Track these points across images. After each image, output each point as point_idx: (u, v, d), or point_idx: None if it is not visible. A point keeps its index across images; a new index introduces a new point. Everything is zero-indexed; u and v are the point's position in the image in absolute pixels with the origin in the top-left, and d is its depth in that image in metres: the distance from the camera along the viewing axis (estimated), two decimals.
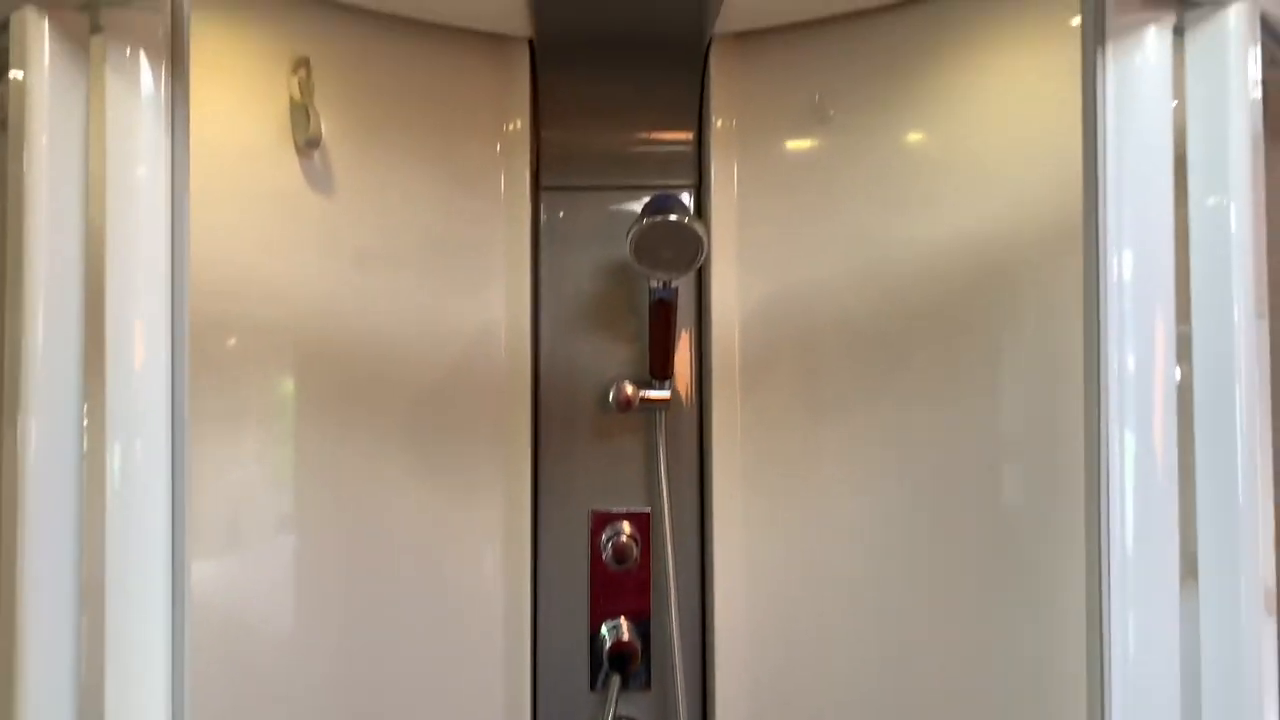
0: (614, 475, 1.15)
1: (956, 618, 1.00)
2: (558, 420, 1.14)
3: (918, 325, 1.05)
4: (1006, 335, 0.99)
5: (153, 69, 0.53)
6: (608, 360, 1.14)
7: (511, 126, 1.13)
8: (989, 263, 0.99)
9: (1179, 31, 0.54)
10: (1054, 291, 0.92)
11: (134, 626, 0.58)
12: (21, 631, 0.57)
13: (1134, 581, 0.65)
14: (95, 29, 0.55)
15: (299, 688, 0.96)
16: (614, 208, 1.15)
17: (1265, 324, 0.66)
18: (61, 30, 0.53)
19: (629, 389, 1.09)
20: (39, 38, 0.53)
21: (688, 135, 1.15)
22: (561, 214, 1.16)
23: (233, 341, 0.92)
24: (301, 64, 0.97)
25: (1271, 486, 0.67)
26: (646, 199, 1.05)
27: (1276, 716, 0.69)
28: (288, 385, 0.98)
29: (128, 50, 0.52)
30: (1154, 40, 0.52)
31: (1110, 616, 0.66)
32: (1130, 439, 0.63)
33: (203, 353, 0.88)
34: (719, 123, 1.13)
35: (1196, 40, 0.53)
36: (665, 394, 1.10)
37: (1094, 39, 0.53)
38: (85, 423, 0.59)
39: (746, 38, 1.12)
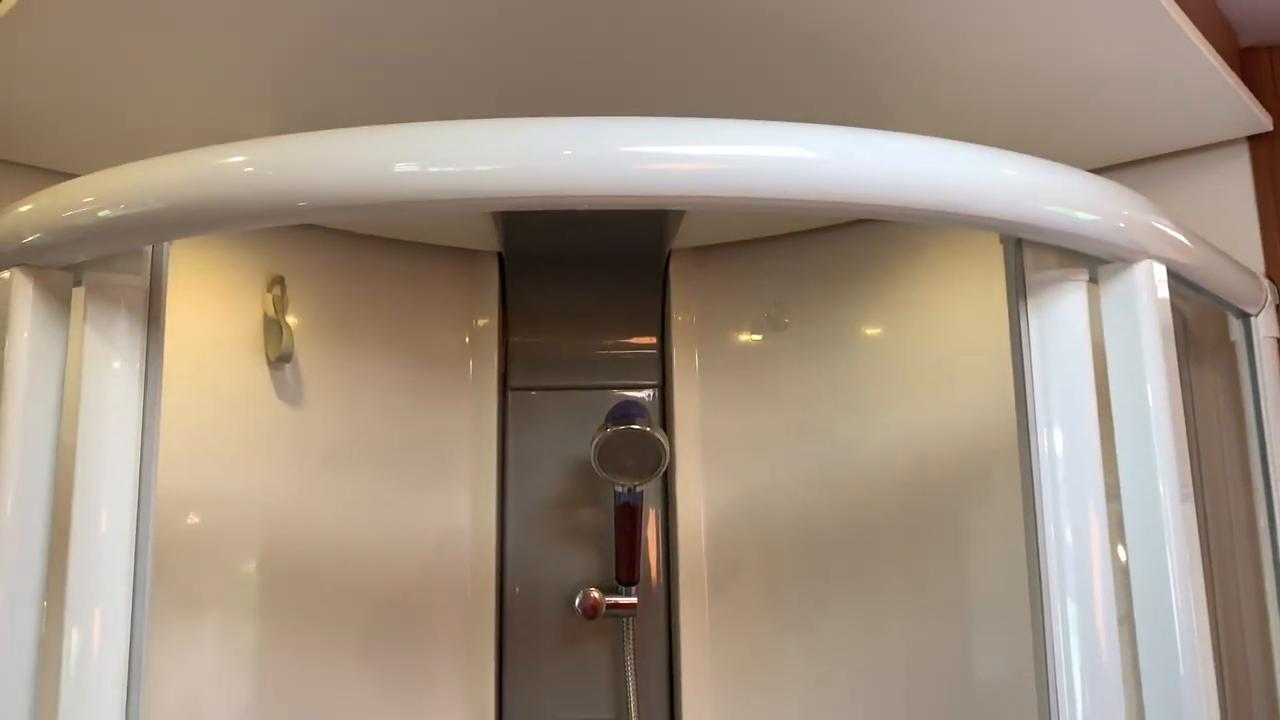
0: (581, 683, 1.12)
1: None
2: (523, 626, 1.13)
3: (875, 525, 1.06)
4: (962, 531, 1.00)
5: (129, 323, 0.56)
6: (574, 563, 1.14)
7: (481, 323, 1.17)
8: (942, 462, 1.02)
9: (1093, 279, 0.59)
10: (1001, 491, 0.94)
11: None
12: None
13: None
14: (77, 283, 0.58)
15: None
16: (581, 407, 1.17)
17: (1190, 507, 0.68)
18: (46, 288, 0.56)
19: (595, 595, 1.09)
20: (25, 295, 0.56)
21: (651, 339, 1.20)
22: (528, 413, 1.18)
23: (197, 536, 0.92)
24: (276, 282, 1.01)
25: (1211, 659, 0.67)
26: (612, 403, 1.08)
27: None
28: (250, 584, 0.97)
29: (106, 307, 0.55)
30: (1070, 290, 0.57)
31: None
32: (1074, 615, 0.64)
33: (169, 545, 0.87)
34: (679, 318, 1.18)
35: (1109, 289, 0.58)
36: (632, 599, 1.10)
37: (1016, 290, 0.58)
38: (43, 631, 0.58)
39: (704, 251, 1.18)
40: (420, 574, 1.10)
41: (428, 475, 1.13)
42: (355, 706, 1.03)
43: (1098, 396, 0.62)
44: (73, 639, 0.57)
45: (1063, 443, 0.63)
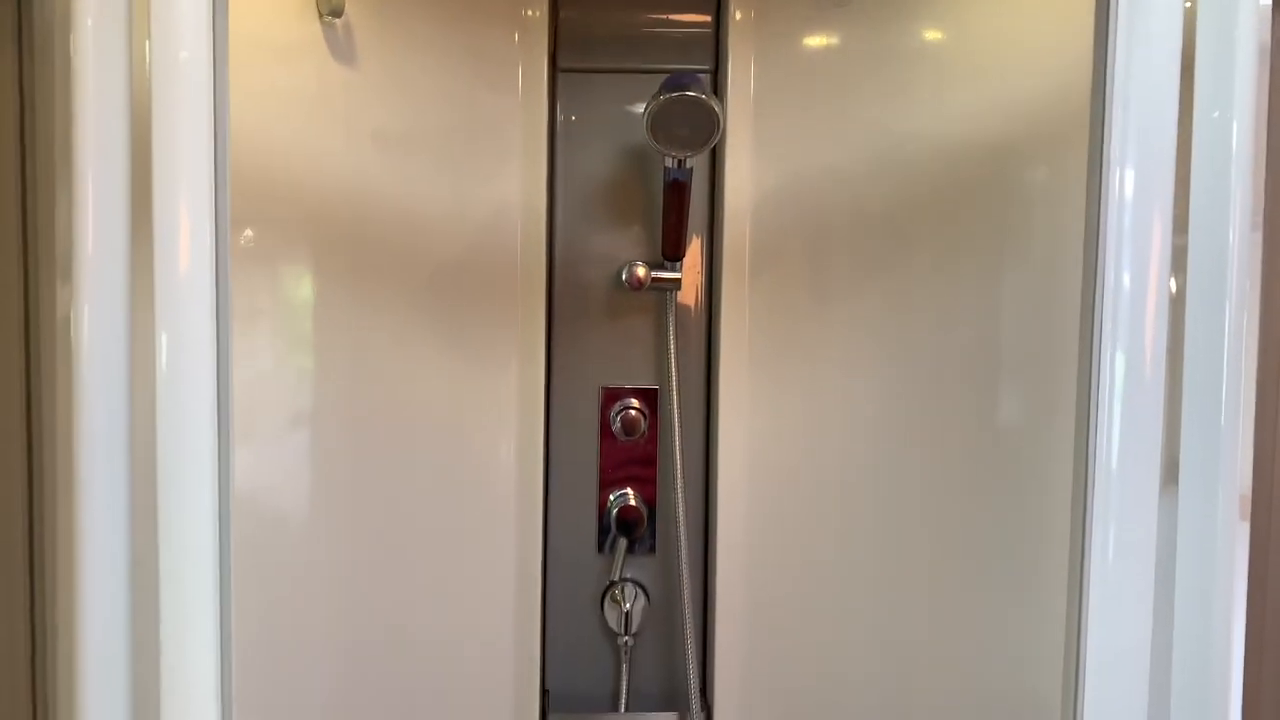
0: (624, 353, 1.19)
1: (947, 505, 1.05)
2: (571, 299, 1.18)
3: (923, 218, 1.08)
4: (1009, 236, 1.01)
5: None
6: (621, 242, 1.17)
7: (530, 13, 1.14)
8: (994, 161, 1.01)
9: None
10: (1055, 197, 0.94)
11: (183, 507, 0.62)
12: (80, 514, 0.61)
13: (1117, 487, 0.69)
14: None
15: (319, 544, 1.02)
16: (631, 88, 1.16)
17: (1259, 236, 0.69)
18: None
19: (641, 269, 1.13)
20: None
21: (705, 17, 1.16)
22: (578, 95, 1.17)
23: (257, 216, 0.95)
24: None
25: (1254, 396, 0.71)
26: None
27: (1244, 618, 0.74)
28: (305, 241, 1.01)
29: None
30: None
31: (1093, 518, 0.70)
32: (1122, 347, 0.66)
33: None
34: (738, 15, 1.14)
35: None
36: (677, 275, 1.14)
37: None
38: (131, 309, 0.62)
39: None
40: (472, 248, 1.14)
41: (478, 154, 1.13)
42: (416, 373, 1.10)
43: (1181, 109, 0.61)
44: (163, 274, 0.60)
45: (1136, 143, 0.62)
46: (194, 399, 0.60)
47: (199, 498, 0.59)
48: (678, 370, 1.16)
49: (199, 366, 0.59)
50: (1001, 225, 1.02)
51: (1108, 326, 0.65)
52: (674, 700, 1.19)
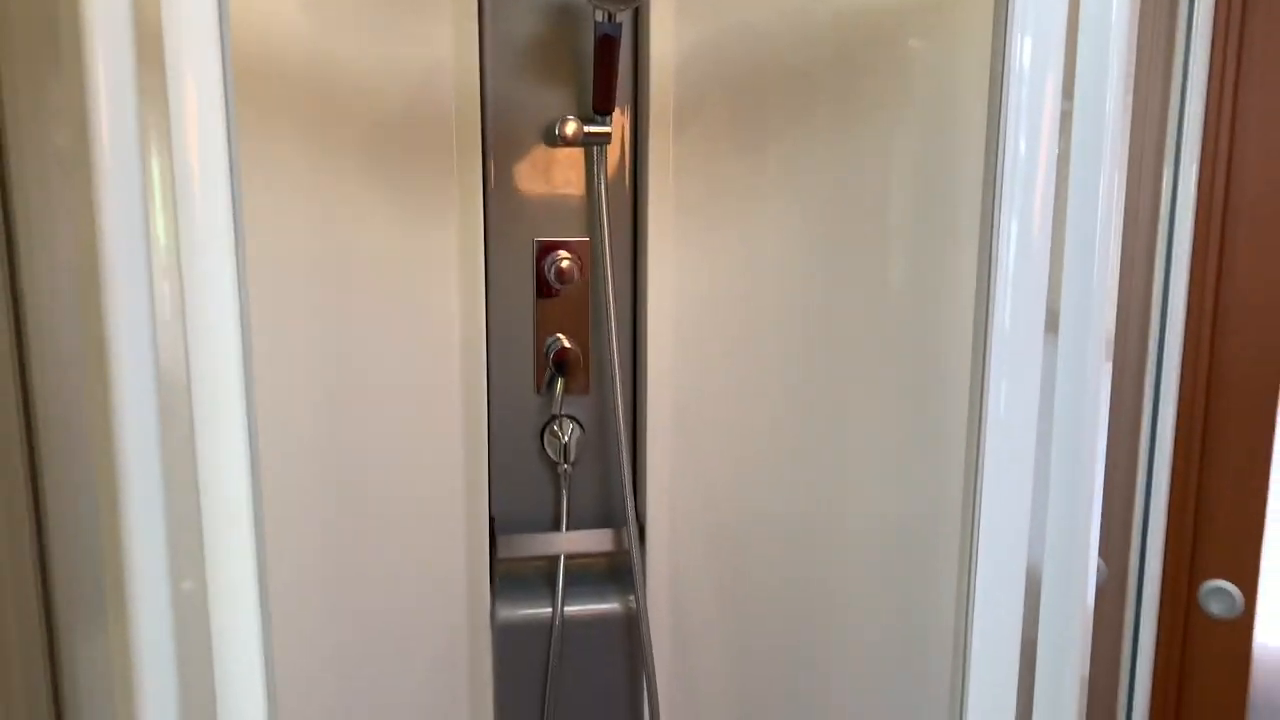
0: (558, 207, 1.26)
1: (859, 344, 1.19)
2: (505, 156, 1.23)
3: (833, 77, 1.16)
4: (910, 98, 1.11)
5: None
6: (552, 99, 1.22)
7: None
8: (896, 24, 1.10)
9: None
10: (948, 65, 1.03)
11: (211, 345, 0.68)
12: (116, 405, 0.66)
13: (1010, 338, 0.81)
14: None
15: (274, 393, 1.09)
16: None
17: (1130, 99, 0.80)
18: None
19: (572, 124, 1.18)
20: None
21: None
22: None
23: None
24: None
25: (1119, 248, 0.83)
26: None
27: (1105, 438, 0.90)
28: (245, 121, 1.03)
29: None
30: None
31: (990, 363, 0.82)
32: (1018, 211, 0.77)
33: None
34: None
35: None
36: (607, 129, 1.20)
37: None
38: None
39: None
40: (407, 109, 1.16)
41: (410, 10, 1.15)
42: (360, 218, 1.15)
43: None
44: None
45: (1035, 14, 0.71)
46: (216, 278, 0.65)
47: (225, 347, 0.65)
48: (608, 221, 1.24)
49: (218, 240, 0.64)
50: (904, 87, 1.11)
51: (1008, 189, 0.76)
52: (610, 519, 1.33)
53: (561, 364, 1.29)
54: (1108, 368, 0.88)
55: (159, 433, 0.69)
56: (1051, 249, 0.76)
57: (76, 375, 0.85)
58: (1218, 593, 0.95)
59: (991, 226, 0.77)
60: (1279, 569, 1.44)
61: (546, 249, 1.27)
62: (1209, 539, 0.97)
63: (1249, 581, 0.95)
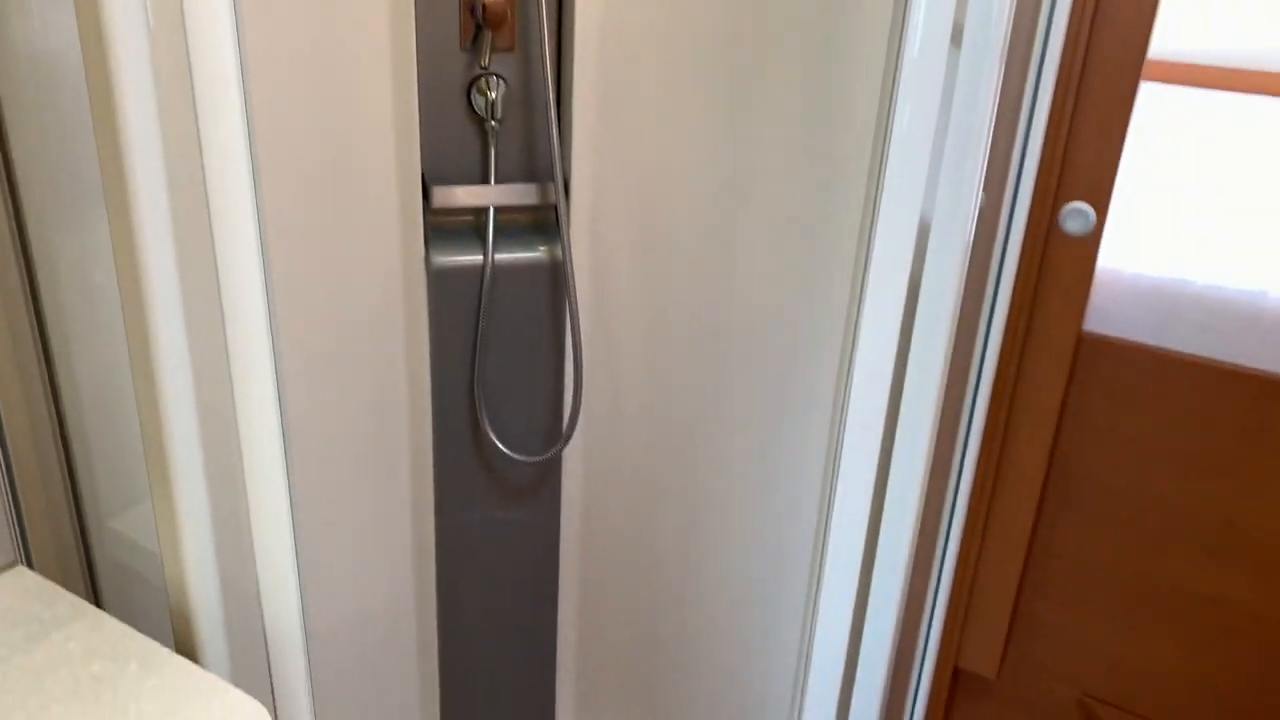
0: None
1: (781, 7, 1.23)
2: None
3: None
4: None
5: None
6: None
7: None
8: None
9: None
10: None
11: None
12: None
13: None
14: None
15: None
16: None
17: None
18: None
19: None
20: None
21: None
22: None
23: None
24: None
25: None
26: None
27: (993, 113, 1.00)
28: None
29: None
30: None
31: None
32: None
33: None
34: None
35: None
36: None
37: None
38: None
39: None
40: None
41: None
42: None
43: None
44: None
45: None
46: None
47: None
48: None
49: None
50: None
51: None
52: (535, 174, 1.40)
53: (488, 19, 1.30)
54: (1000, 71, 0.98)
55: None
56: None
57: None
58: (1075, 213, 1.10)
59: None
60: (1124, 197, 1.65)
61: None
62: (1073, 165, 1.11)
63: (1103, 203, 1.11)
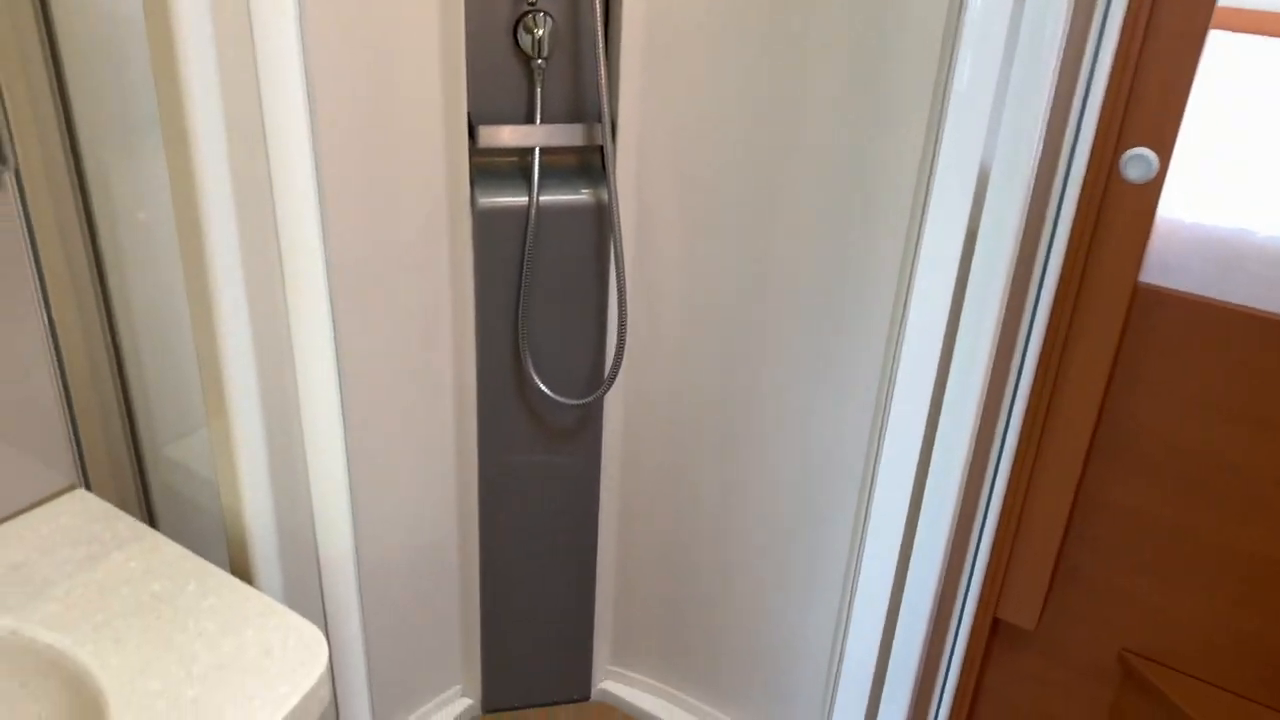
0: None
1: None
2: None
3: None
4: None
5: None
6: None
7: None
8: None
9: None
10: None
11: None
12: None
13: None
14: None
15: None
16: None
17: None
18: None
19: None
20: None
21: None
22: None
23: None
24: None
25: None
26: None
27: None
28: None
29: None
30: None
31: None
32: None
33: None
34: None
35: None
36: None
37: None
38: None
39: None
40: None
41: None
42: None
43: None
44: None
45: None
46: None
47: None
48: None
49: None
50: None
51: None
52: (581, 114, 1.39)
53: None
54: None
55: None
56: None
57: None
58: (1137, 159, 1.07)
59: None
60: (1188, 146, 1.60)
61: None
62: (1137, 109, 1.08)
63: (1166, 149, 1.08)
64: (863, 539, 1.15)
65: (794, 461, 1.42)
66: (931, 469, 1.12)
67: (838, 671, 1.22)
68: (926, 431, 1.10)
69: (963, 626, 1.37)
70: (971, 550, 1.32)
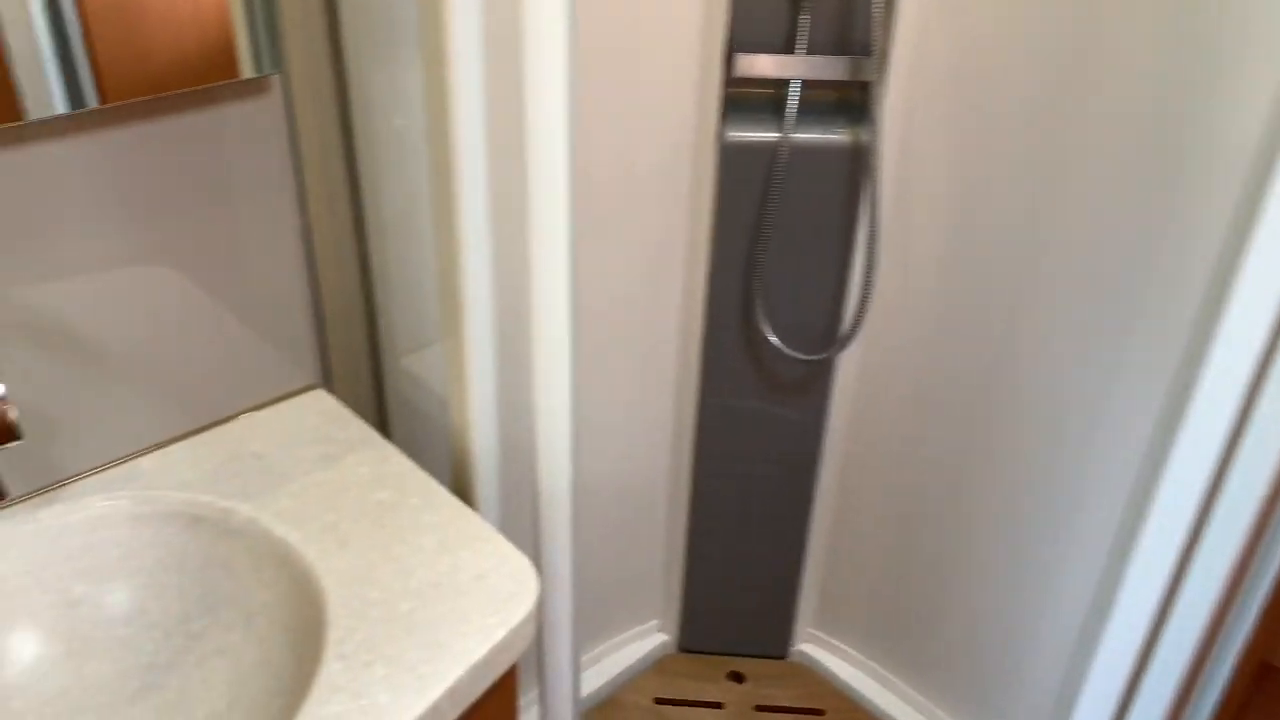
0: None
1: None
2: None
3: None
4: None
5: None
6: None
7: None
8: None
9: None
10: None
11: None
12: None
13: None
14: None
15: None
16: None
17: None
18: None
19: None
20: None
21: None
22: None
23: None
24: None
25: None
26: None
27: None
28: None
29: None
30: None
31: None
32: None
33: None
34: None
35: None
36: None
37: None
38: None
39: None
40: None
41: None
42: None
43: None
44: None
45: None
46: None
47: None
48: None
49: None
50: None
51: None
52: (849, 46, 1.27)
53: None
54: None
55: None
56: None
57: None
58: None
59: None
60: None
61: None
62: None
63: None
64: (1128, 558, 1.00)
65: (1050, 457, 1.27)
66: (1223, 494, 0.96)
67: (1075, 694, 1.09)
68: (1224, 452, 0.93)
69: (1224, 665, 1.20)
70: (1247, 585, 1.13)
